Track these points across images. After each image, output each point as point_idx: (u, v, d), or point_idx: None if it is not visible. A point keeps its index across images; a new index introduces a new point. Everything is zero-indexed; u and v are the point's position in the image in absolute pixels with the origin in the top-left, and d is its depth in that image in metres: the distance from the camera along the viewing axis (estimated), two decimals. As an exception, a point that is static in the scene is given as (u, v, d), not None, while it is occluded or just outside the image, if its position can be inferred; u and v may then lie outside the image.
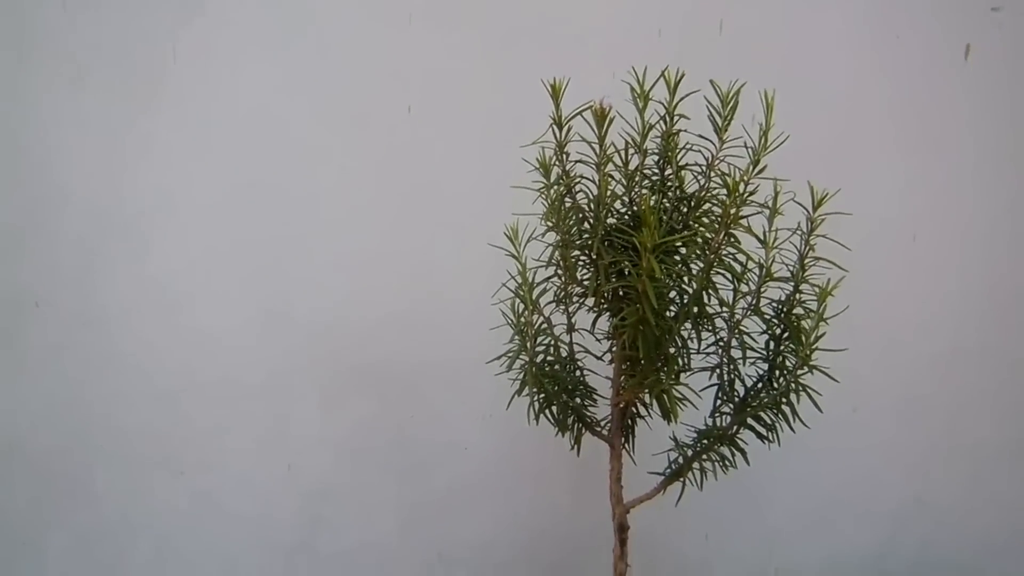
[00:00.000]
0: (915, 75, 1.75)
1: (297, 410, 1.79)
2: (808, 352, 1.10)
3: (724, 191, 1.10)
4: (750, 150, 1.12)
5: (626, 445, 1.26)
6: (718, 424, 1.21)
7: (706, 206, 1.15)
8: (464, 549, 1.86)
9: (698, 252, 1.10)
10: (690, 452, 1.21)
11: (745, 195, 1.09)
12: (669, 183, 1.15)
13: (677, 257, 1.13)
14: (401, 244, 1.73)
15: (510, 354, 1.16)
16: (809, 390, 1.14)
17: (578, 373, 1.24)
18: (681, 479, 1.23)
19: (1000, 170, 1.79)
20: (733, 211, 1.07)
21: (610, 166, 1.15)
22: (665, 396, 1.11)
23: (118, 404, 1.76)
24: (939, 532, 1.91)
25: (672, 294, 1.15)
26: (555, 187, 1.14)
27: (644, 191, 1.12)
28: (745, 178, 1.09)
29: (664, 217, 1.13)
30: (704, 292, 1.12)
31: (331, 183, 1.71)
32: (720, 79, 1.12)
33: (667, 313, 1.12)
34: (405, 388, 1.80)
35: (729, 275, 1.13)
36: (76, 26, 1.62)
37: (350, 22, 1.65)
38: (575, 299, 1.18)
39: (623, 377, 1.19)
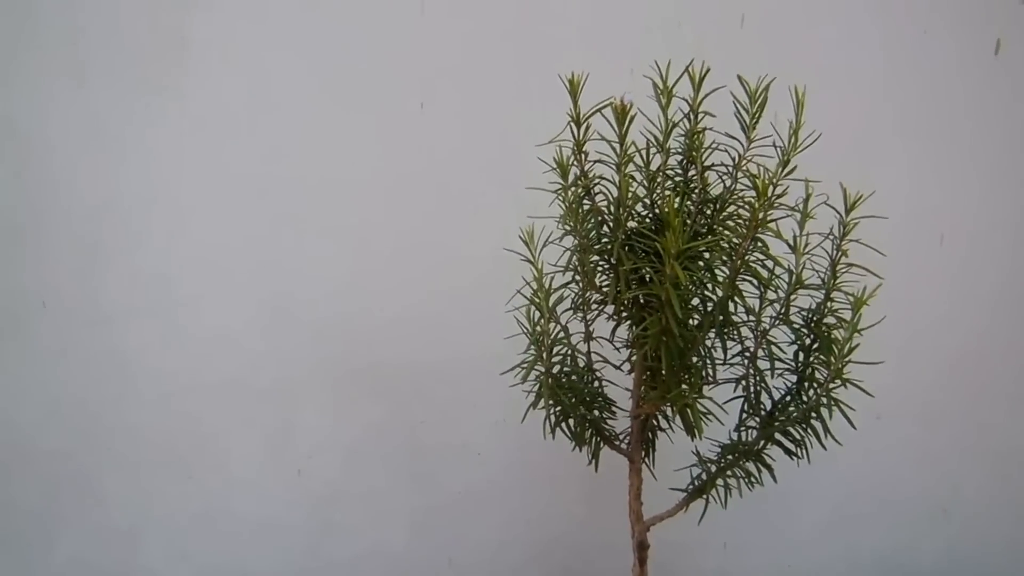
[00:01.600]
0: (944, 71, 1.65)
1: (306, 413, 1.72)
2: (841, 365, 1.01)
3: (752, 193, 1.01)
4: (779, 149, 1.02)
5: (646, 460, 1.17)
6: (743, 439, 1.11)
7: (731, 209, 1.06)
8: (476, 555, 1.79)
9: (724, 258, 1.01)
10: (714, 468, 1.12)
11: (774, 197, 0.99)
12: (693, 184, 1.06)
13: (701, 263, 1.04)
14: (412, 244, 1.66)
15: (524, 364, 1.07)
16: (842, 404, 1.04)
17: (596, 384, 1.15)
18: (704, 496, 1.13)
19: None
20: (762, 215, 0.97)
21: (631, 167, 1.06)
22: (689, 410, 1.01)
23: (125, 405, 1.69)
24: (963, 541, 1.82)
25: (695, 301, 1.06)
26: (573, 188, 1.05)
27: (667, 192, 1.03)
28: (774, 179, 0.99)
29: (688, 220, 1.04)
30: (730, 300, 1.02)
31: (342, 180, 1.64)
32: (742, 74, 1.03)
33: (691, 322, 1.03)
34: (416, 391, 1.72)
35: (756, 282, 1.04)
36: (76, 16, 1.55)
37: (360, 13, 1.56)
38: (593, 306, 1.09)
39: (643, 388, 1.10)
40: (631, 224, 1.05)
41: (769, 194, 0.97)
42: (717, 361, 1.08)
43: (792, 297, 1.05)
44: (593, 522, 1.74)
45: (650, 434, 1.16)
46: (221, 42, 1.58)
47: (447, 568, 1.78)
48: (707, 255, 1.02)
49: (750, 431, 1.11)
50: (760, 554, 1.80)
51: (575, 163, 1.05)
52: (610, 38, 1.55)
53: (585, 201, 1.06)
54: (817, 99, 1.10)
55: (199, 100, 1.59)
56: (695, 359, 1.03)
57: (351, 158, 1.63)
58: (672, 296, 0.94)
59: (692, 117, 1.05)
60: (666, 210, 0.97)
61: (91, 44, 1.56)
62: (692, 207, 1.04)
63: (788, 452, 1.10)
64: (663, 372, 1.04)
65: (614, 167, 1.05)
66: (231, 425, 1.71)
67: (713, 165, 1.06)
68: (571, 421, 1.13)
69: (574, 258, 1.07)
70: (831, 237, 1.05)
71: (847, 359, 1.01)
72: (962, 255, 1.72)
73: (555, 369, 1.07)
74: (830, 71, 1.61)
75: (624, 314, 1.06)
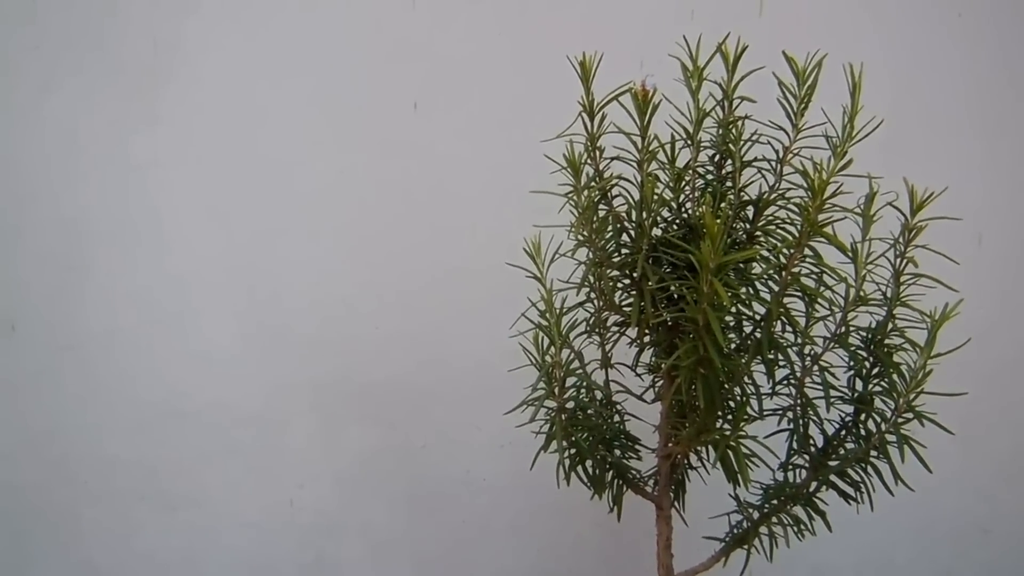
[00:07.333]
0: (978, 55, 1.45)
1: (297, 438, 1.52)
2: (911, 396, 0.80)
3: (799, 193, 0.80)
4: (832, 140, 0.81)
5: (676, 504, 0.96)
6: (791, 480, 0.90)
7: (771, 211, 0.85)
8: (483, 589, 1.58)
9: (771, 271, 0.80)
10: (756, 514, 0.91)
11: (830, 197, 0.78)
12: (728, 183, 0.85)
13: (735, 276, 0.83)
14: (408, 255, 1.46)
15: (532, 401, 0.86)
16: (912, 442, 0.83)
17: (616, 419, 0.94)
18: (746, 547, 0.92)
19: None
20: (820, 217, 0.76)
21: (654, 164, 0.85)
22: (731, 453, 0.80)
23: (102, 434, 1.51)
24: (1004, 564, 1.61)
25: (733, 320, 0.85)
26: (586, 190, 0.84)
27: (702, 193, 0.82)
28: (830, 177, 0.78)
29: (725, 226, 0.83)
30: (778, 320, 0.81)
31: (331, 189, 1.45)
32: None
33: (730, 346, 0.82)
34: (415, 413, 1.52)
35: (807, 298, 0.83)
36: (46, 22, 1.37)
37: (346, 7, 1.37)
38: (613, 329, 0.88)
39: (672, 424, 0.89)
40: (656, 232, 0.84)
41: (826, 193, 0.76)
42: (762, 391, 0.87)
43: (850, 315, 0.83)
44: (613, 553, 1.55)
45: (680, 475, 0.95)
46: (202, 44, 1.40)
47: (452, 603, 1.58)
48: (752, 268, 0.81)
49: (798, 471, 0.90)
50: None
51: (588, 160, 0.84)
52: (622, 20, 1.35)
53: (601, 205, 0.85)
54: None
55: (180, 105, 1.41)
56: (737, 391, 0.82)
57: (341, 164, 1.44)
58: (712, 319, 0.73)
59: (726, 104, 0.84)
60: (699, 214, 0.76)
61: (57, 48, 1.38)
62: (729, 211, 0.83)
63: (845, 496, 0.88)
64: (698, 405, 0.83)
65: (635, 164, 0.84)
66: (216, 453, 1.52)
67: (755, 159, 0.84)
68: (588, 464, 0.91)
69: (589, 273, 0.86)
70: (897, 244, 0.84)
71: (919, 388, 0.80)
72: (1003, 257, 1.51)
73: (569, 404, 0.86)
74: (852, 61, 1.41)
75: (649, 338, 0.85)
